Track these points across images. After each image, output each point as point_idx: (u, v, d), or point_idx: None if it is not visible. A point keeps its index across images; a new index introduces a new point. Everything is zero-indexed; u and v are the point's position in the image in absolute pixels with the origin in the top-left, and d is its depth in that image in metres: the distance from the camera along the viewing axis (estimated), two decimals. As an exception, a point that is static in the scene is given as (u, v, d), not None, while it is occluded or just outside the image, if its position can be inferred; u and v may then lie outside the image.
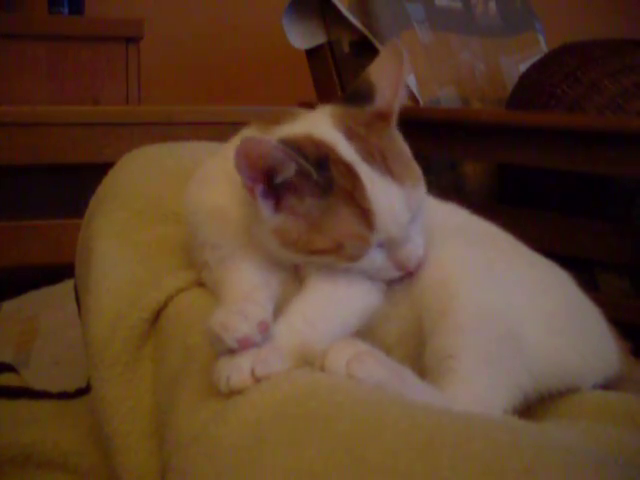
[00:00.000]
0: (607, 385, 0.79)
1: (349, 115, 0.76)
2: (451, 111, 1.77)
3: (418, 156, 0.78)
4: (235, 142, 0.83)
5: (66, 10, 2.03)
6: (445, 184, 1.77)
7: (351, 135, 0.73)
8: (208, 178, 0.83)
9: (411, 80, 1.75)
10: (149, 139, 1.23)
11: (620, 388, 0.80)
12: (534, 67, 1.69)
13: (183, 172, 0.99)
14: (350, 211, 0.70)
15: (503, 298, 0.74)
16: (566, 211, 1.52)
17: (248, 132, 0.82)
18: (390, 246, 0.73)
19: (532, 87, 1.63)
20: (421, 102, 1.76)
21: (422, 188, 0.75)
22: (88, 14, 2.11)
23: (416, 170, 0.76)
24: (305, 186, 0.70)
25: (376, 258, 0.73)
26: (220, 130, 0.86)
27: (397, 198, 0.72)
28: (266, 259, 0.77)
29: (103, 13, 2.24)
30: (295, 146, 0.69)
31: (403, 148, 0.77)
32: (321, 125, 0.74)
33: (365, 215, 0.71)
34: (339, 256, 0.72)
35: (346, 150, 0.72)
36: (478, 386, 0.70)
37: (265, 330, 0.66)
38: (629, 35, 1.68)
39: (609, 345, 0.81)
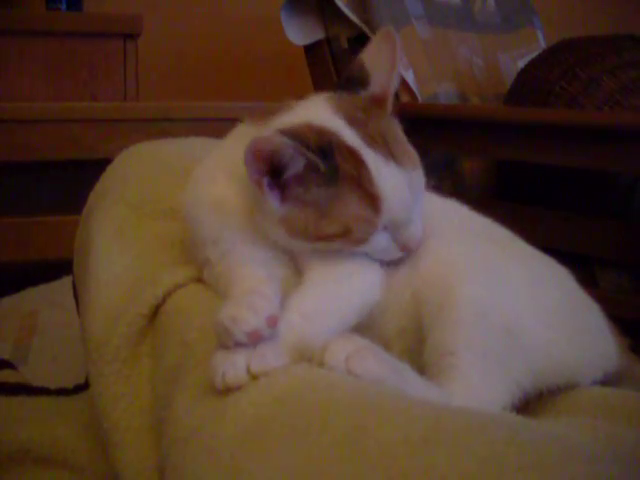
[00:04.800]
0: (606, 381, 0.79)
1: (346, 101, 0.77)
2: (450, 107, 1.77)
3: (417, 152, 0.78)
4: (233, 138, 0.84)
5: (64, 6, 2.02)
6: (444, 180, 1.77)
7: (352, 121, 0.74)
8: (208, 174, 0.83)
9: (409, 76, 1.75)
10: (147, 135, 1.23)
11: (619, 384, 0.80)
12: (532, 63, 1.69)
13: (181, 168, 0.99)
14: (357, 196, 0.72)
15: (502, 294, 0.74)
16: (565, 207, 1.52)
17: (243, 128, 0.83)
18: (394, 228, 0.75)
19: (530, 83, 1.63)
20: (420, 98, 1.76)
21: (421, 171, 0.76)
22: (86, 10, 2.10)
23: (414, 154, 0.77)
24: (311, 176, 0.71)
25: (381, 240, 0.75)
26: (218, 126, 0.86)
27: (401, 181, 0.73)
28: (268, 253, 0.77)
29: (101, 9, 2.24)
30: (297, 137, 0.69)
31: (400, 132, 0.78)
32: (320, 113, 0.75)
33: (372, 199, 0.72)
34: (347, 240, 0.73)
35: (349, 136, 0.73)
36: (477, 382, 0.70)
37: (274, 324, 0.66)
38: (627, 31, 1.68)
39: (608, 341, 0.81)
